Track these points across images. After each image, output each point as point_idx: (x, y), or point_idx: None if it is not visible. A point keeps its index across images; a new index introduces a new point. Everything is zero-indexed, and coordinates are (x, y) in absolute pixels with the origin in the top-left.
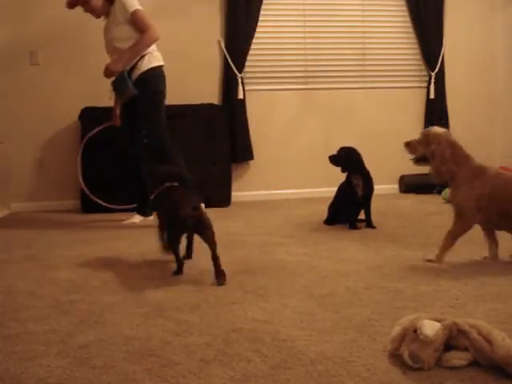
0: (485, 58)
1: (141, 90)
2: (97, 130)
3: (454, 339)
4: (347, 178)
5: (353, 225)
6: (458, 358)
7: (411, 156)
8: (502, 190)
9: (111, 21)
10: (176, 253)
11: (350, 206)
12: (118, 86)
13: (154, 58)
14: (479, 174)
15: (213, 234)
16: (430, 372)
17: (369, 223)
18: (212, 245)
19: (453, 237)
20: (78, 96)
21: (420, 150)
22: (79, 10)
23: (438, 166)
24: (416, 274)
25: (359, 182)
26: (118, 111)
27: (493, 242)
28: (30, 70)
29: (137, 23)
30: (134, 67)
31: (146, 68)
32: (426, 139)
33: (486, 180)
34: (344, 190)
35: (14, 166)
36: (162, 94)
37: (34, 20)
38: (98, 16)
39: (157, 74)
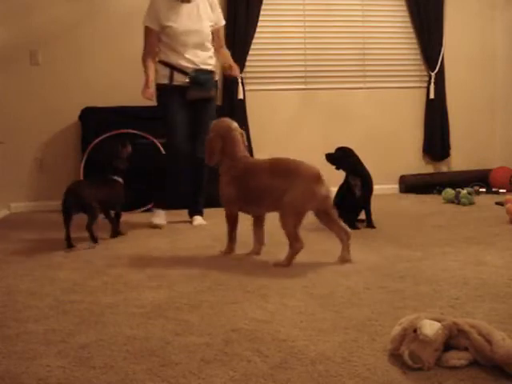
0: (485, 58)
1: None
2: (101, 138)
3: (454, 339)
4: (345, 178)
5: (353, 225)
6: (458, 358)
7: None
8: (244, 175)
9: (203, 14)
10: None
11: (349, 207)
12: (209, 83)
13: None
14: (235, 165)
15: (94, 209)
16: (430, 372)
17: (369, 223)
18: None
19: (229, 231)
20: (78, 96)
21: None
22: (79, 9)
23: (206, 153)
24: (416, 273)
25: (357, 183)
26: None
27: (258, 239)
28: (30, 70)
29: (220, 37)
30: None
31: (216, 78)
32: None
33: (234, 170)
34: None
35: (14, 166)
36: None
37: (34, 20)
38: None
39: None
